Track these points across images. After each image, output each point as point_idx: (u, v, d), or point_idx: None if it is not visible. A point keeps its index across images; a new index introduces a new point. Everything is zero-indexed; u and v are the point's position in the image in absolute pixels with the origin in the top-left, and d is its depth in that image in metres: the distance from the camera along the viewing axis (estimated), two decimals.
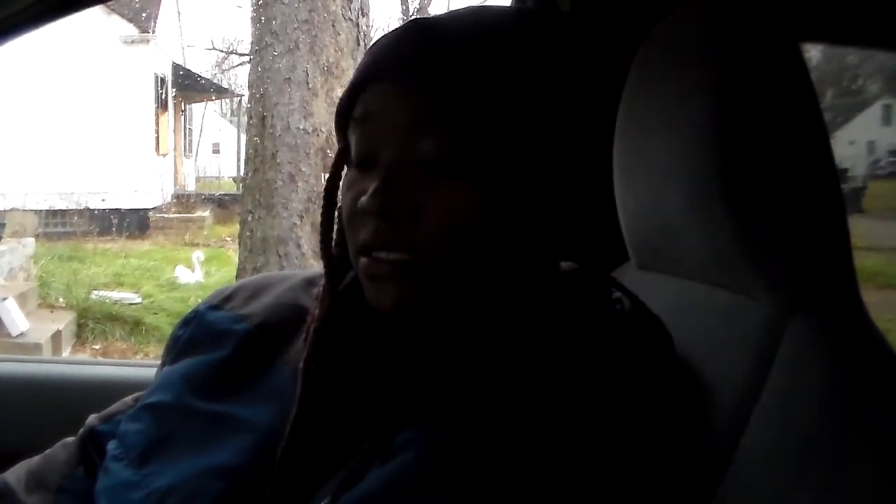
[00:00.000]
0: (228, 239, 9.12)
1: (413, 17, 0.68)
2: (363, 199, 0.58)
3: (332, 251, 0.67)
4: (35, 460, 0.77)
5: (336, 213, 0.66)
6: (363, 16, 4.30)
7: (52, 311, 6.05)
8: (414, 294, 0.59)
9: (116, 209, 10.11)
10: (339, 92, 4.19)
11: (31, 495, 0.73)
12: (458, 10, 0.65)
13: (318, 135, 4.10)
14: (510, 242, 0.61)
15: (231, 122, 20.26)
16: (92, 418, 0.77)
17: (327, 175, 0.67)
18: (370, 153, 0.61)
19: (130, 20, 11.13)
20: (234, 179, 15.54)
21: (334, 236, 0.67)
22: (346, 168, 0.65)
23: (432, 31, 0.61)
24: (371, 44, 0.65)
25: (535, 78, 0.61)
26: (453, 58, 0.59)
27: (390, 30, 0.65)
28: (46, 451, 0.77)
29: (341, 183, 0.65)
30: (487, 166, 0.59)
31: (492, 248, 0.60)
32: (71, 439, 0.77)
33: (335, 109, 0.65)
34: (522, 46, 0.61)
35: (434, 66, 0.59)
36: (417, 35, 0.61)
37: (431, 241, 0.58)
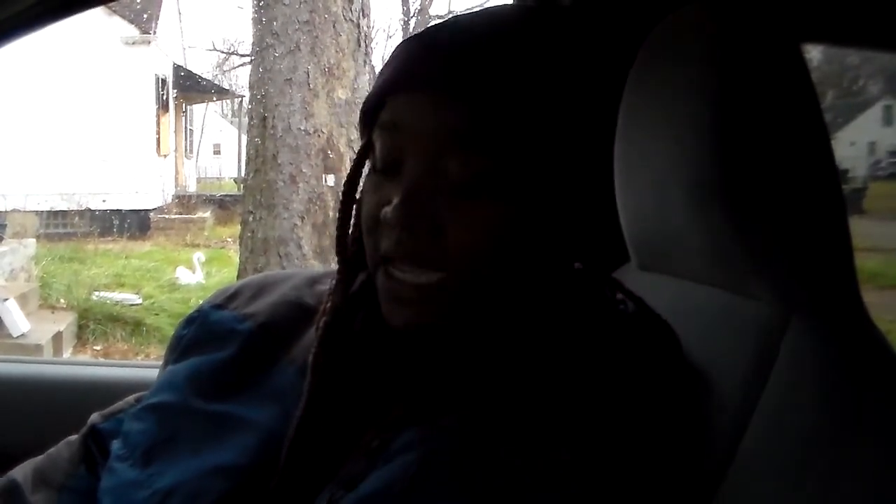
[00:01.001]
0: (229, 240, 9.12)
1: (442, 20, 0.66)
2: (386, 209, 0.58)
3: (347, 246, 0.66)
4: (40, 459, 0.77)
5: (353, 209, 0.65)
6: (364, 17, 4.30)
7: (52, 312, 6.05)
8: (429, 316, 0.59)
9: (117, 210, 10.12)
10: (341, 93, 4.20)
11: (35, 493, 0.74)
12: (487, 12, 0.63)
13: (318, 136, 4.10)
14: (532, 254, 0.60)
15: (232, 122, 20.26)
16: (94, 416, 0.77)
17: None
18: (395, 162, 0.60)
19: (131, 21, 11.14)
20: (235, 180, 15.52)
21: (350, 231, 0.66)
22: (367, 164, 0.65)
23: (465, 41, 0.59)
24: (402, 41, 0.64)
25: (563, 91, 0.60)
26: (488, 76, 0.57)
27: (420, 30, 0.63)
28: (50, 450, 0.78)
29: (362, 182, 0.64)
30: (514, 184, 0.58)
31: (513, 263, 0.60)
32: (74, 438, 0.77)
33: (360, 107, 0.64)
34: (550, 58, 0.60)
35: (468, 84, 0.57)
36: (451, 45, 0.60)
37: (453, 260, 0.58)
